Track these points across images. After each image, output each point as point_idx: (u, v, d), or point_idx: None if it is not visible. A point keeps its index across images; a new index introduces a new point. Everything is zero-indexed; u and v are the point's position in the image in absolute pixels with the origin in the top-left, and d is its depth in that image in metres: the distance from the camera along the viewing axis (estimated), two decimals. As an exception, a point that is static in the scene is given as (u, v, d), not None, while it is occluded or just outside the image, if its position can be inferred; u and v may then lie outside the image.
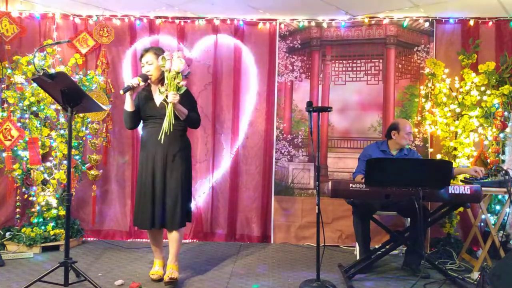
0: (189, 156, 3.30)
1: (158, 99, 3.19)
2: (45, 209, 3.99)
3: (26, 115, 3.92)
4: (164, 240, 3.37)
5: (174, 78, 2.98)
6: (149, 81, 3.16)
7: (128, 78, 4.47)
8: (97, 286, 2.81)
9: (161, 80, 3.17)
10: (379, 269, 3.60)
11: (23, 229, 3.95)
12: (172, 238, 3.19)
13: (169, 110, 3.00)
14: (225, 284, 3.19)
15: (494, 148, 3.87)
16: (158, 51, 3.17)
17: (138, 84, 3.08)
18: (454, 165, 3.85)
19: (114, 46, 4.47)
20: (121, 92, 3.06)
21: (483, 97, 3.95)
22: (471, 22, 4.31)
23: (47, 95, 3.69)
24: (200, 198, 4.48)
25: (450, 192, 3.02)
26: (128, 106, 3.13)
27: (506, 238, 3.79)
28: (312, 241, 4.37)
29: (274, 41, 4.52)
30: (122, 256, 3.87)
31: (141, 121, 3.25)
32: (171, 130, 3.02)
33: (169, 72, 2.98)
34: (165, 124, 3.01)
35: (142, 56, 3.19)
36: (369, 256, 3.46)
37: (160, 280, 3.20)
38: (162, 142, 3.04)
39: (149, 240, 3.34)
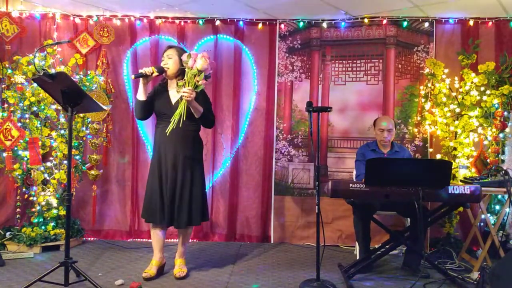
0: (202, 156, 3.38)
1: (173, 97, 3.24)
2: (45, 209, 3.99)
3: (27, 115, 3.92)
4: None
5: (195, 76, 3.04)
6: (165, 75, 3.20)
7: (129, 78, 4.49)
8: (97, 286, 2.82)
9: (177, 77, 3.24)
10: (379, 269, 3.61)
11: (24, 229, 3.95)
12: (185, 233, 3.34)
13: (181, 105, 3.06)
14: (225, 284, 3.20)
15: (493, 148, 3.87)
16: (181, 49, 3.30)
17: (152, 74, 3.13)
18: (454, 165, 3.86)
19: (114, 46, 4.47)
20: (132, 76, 3.11)
21: (482, 97, 3.95)
22: (471, 22, 4.31)
23: (47, 95, 3.69)
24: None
25: (449, 192, 3.02)
26: (141, 95, 3.16)
27: (506, 238, 3.79)
28: (312, 241, 4.37)
29: (274, 41, 4.52)
30: (122, 256, 3.87)
31: (152, 116, 3.30)
32: (180, 125, 3.06)
33: (191, 69, 3.04)
34: (175, 118, 3.05)
35: (164, 51, 3.28)
36: (369, 256, 3.47)
37: (150, 279, 3.21)
38: (168, 135, 3.10)
39: (151, 240, 3.36)
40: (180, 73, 3.23)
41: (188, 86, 3.03)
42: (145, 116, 3.27)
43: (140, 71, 3.12)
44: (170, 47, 3.30)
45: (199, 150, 3.34)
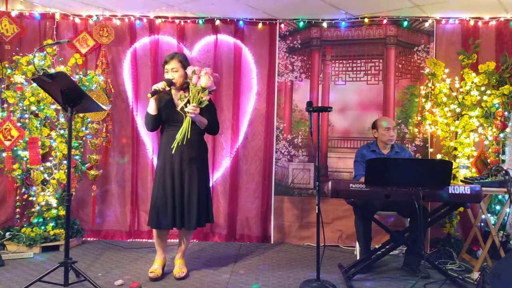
0: (207, 159, 3.44)
1: (179, 104, 3.29)
2: (45, 209, 3.99)
3: (26, 115, 3.92)
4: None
5: (199, 92, 3.13)
6: (172, 86, 3.24)
7: (128, 78, 4.49)
8: (97, 286, 2.81)
9: (186, 88, 3.29)
10: (379, 269, 3.60)
11: (23, 229, 3.95)
12: (187, 234, 3.37)
13: (185, 122, 3.15)
14: (225, 284, 3.19)
15: (494, 148, 3.86)
16: (183, 59, 3.30)
17: (164, 89, 3.18)
18: (454, 165, 3.86)
19: (114, 46, 4.47)
20: (149, 95, 3.15)
21: (483, 97, 3.95)
22: (471, 22, 4.30)
23: (47, 95, 3.68)
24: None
25: (450, 192, 3.02)
26: (152, 109, 3.23)
27: (506, 238, 3.79)
28: (312, 241, 4.37)
29: (274, 41, 4.52)
30: (122, 256, 3.87)
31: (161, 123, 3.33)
32: (184, 142, 3.13)
33: (195, 86, 3.12)
34: (179, 137, 3.14)
35: (166, 62, 3.29)
36: (369, 256, 3.46)
37: (157, 279, 3.21)
38: (173, 151, 3.17)
39: (154, 240, 3.38)
40: (187, 85, 3.28)
41: (193, 102, 3.13)
42: (156, 128, 3.35)
43: (153, 87, 3.15)
44: (171, 58, 3.27)
45: (204, 152, 3.41)
